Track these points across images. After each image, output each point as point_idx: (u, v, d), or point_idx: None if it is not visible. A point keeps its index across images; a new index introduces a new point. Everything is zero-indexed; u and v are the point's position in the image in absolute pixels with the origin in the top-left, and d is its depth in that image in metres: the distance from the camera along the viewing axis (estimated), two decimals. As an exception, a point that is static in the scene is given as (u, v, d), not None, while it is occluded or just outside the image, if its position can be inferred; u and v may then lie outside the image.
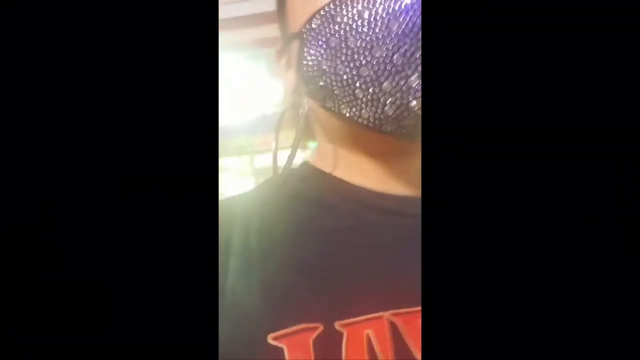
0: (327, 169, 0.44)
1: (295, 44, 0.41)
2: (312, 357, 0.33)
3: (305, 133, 0.46)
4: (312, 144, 0.47)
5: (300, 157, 0.46)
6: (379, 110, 0.38)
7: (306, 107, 0.43)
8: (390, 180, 0.42)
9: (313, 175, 0.44)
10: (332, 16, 0.38)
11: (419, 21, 0.36)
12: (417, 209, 0.39)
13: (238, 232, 0.38)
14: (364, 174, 0.42)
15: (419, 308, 0.34)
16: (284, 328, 0.33)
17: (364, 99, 0.38)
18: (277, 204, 0.42)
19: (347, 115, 0.40)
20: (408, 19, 0.36)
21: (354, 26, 0.37)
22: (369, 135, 0.40)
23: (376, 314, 0.34)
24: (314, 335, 0.33)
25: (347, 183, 0.43)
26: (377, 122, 0.39)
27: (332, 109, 0.40)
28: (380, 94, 0.37)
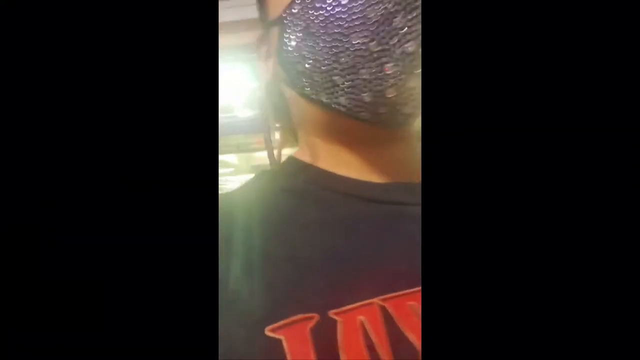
0: (310, 160, 0.44)
1: (275, 31, 0.42)
2: (312, 346, 0.33)
3: (289, 126, 0.47)
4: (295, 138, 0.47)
5: (288, 152, 0.47)
6: (356, 97, 0.39)
7: (287, 96, 0.43)
8: (371, 168, 0.43)
9: (297, 169, 0.45)
10: (312, 1, 0.38)
11: (393, 9, 0.36)
12: (400, 196, 0.42)
13: (224, 229, 0.39)
14: (346, 164, 0.43)
15: (407, 291, 0.35)
16: (278, 320, 0.33)
17: (342, 86, 0.39)
18: (263, 200, 0.42)
19: (326, 102, 0.40)
20: (383, 7, 0.36)
21: (333, 12, 0.38)
22: (347, 123, 0.41)
23: (366, 301, 0.35)
24: (311, 324, 0.34)
25: (331, 173, 0.43)
26: (355, 109, 0.39)
27: (312, 97, 0.41)
28: (357, 81, 0.38)
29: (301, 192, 0.43)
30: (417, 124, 0.43)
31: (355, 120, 0.40)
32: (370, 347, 0.33)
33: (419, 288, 0.36)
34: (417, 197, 0.40)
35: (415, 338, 0.34)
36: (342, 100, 0.39)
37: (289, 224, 0.40)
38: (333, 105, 0.40)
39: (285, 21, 0.40)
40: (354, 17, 0.37)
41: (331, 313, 0.34)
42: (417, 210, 0.39)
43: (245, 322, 0.34)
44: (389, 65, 0.37)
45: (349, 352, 0.33)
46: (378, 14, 0.37)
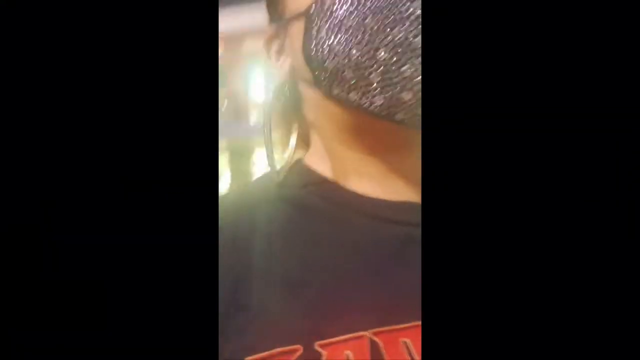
0: (321, 168, 0.42)
1: (296, 27, 0.39)
2: None
3: (301, 129, 0.44)
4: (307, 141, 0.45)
5: (297, 155, 0.44)
6: (394, 96, 0.36)
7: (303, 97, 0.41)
8: (386, 181, 0.40)
9: (303, 177, 0.42)
10: None
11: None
12: (411, 216, 0.37)
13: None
14: (363, 173, 0.40)
15: (402, 325, 0.33)
16: (262, 348, 0.32)
17: (380, 84, 0.36)
18: (259, 208, 0.40)
19: (357, 102, 0.37)
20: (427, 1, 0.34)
21: (371, 5, 0.35)
22: (377, 125, 0.38)
23: (358, 333, 0.33)
24: (293, 358, 0.32)
25: (339, 186, 0.41)
26: (391, 109, 0.36)
27: (339, 96, 0.38)
28: (398, 78, 0.35)
29: (302, 204, 0.40)
30: None
31: (389, 121, 0.37)
32: None
33: (416, 323, 0.33)
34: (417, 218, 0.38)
35: None
36: (377, 99, 0.36)
37: (283, 239, 0.38)
38: (365, 105, 0.37)
39: (313, 16, 0.37)
40: (394, 10, 0.35)
41: (317, 345, 0.32)
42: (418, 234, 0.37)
43: (229, 346, 0.33)
44: None
45: None
46: (420, 4, 0.34)
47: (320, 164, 0.42)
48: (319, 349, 0.32)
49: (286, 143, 0.46)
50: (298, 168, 0.43)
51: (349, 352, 0.32)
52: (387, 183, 0.40)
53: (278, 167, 0.42)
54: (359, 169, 0.41)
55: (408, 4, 0.34)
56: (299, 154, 0.44)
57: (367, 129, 0.39)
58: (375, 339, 0.33)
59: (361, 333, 0.33)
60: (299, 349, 0.32)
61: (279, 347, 0.32)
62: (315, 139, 0.43)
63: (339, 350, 0.32)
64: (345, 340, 0.33)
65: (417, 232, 0.36)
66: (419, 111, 0.36)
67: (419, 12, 0.34)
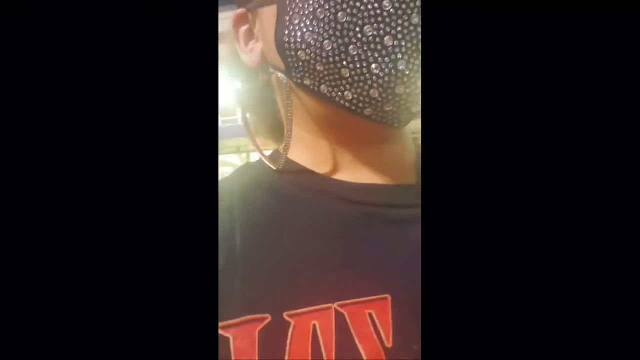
0: (297, 158, 0.43)
1: (268, 11, 0.39)
2: (257, 347, 0.33)
3: (275, 120, 0.45)
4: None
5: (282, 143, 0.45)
6: (364, 92, 0.36)
7: (289, 86, 0.41)
8: (360, 169, 0.41)
9: (279, 165, 0.43)
10: None
11: (411, 3, 0.34)
12: (383, 198, 0.40)
13: None
14: (335, 163, 0.42)
15: (369, 298, 0.35)
16: (234, 318, 0.34)
17: (349, 79, 0.36)
18: (238, 194, 0.41)
19: (328, 95, 0.38)
20: (401, 1, 0.34)
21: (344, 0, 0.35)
22: (347, 119, 0.39)
23: (325, 305, 0.35)
24: (261, 326, 0.34)
25: (310, 171, 0.42)
26: (359, 104, 0.37)
27: (311, 87, 0.38)
28: (367, 75, 0.36)
29: (276, 189, 0.41)
30: (411, 124, 0.42)
31: (358, 116, 0.38)
32: (316, 353, 0.33)
33: (383, 296, 0.35)
34: (402, 200, 0.40)
35: (364, 349, 0.34)
36: (347, 94, 0.37)
37: (258, 222, 0.39)
38: (336, 99, 0.38)
39: (286, 2, 0.37)
40: (369, 7, 0.35)
41: (286, 315, 0.34)
42: (396, 212, 0.39)
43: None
44: (401, 61, 0.35)
45: (293, 355, 0.33)
46: (394, 6, 0.35)
47: (295, 153, 0.43)
48: (288, 319, 0.34)
49: (264, 130, 0.48)
50: (274, 156, 0.44)
51: (315, 322, 0.34)
52: (358, 171, 0.41)
53: (275, 154, 0.43)
54: (331, 159, 0.42)
55: (379, 2, 0.34)
56: (274, 149, 0.46)
57: (338, 121, 0.40)
58: (341, 310, 0.35)
59: (328, 305, 0.35)
60: (268, 317, 0.34)
61: (249, 315, 0.34)
62: (290, 129, 0.43)
63: (306, 320, 0.34)
64: (313, 312, 0.34)
65: (382, 211, 0.39)
66: (387, 108, 0.37)
67: (391, 9, 0.34)
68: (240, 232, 0.38)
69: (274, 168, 0.43)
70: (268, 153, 0.46)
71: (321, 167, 0.42)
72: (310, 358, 0.33)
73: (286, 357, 0.33)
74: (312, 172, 0.42)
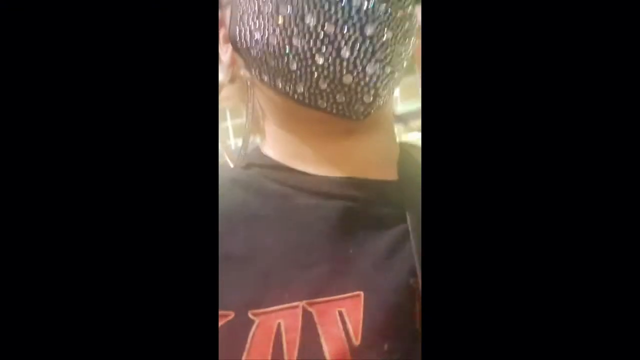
0: (270, 152, 0.43)
1: (227, 12, 0.39)
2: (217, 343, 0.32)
3: (251, 115, 0.45)
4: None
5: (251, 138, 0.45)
6: (313, 84, 0.36)
7: (248, 83, 0.42)
8: (328, 162, 0.41)
9: (253, 159, 0.43)
10: None
11: None
12: (352, 191, 0.39)
13: None
14: (304, 156, 0.41)
15: (339, 296, 0.34)
16: None
17: (297, 72, 0.36)
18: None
19: (283, 89, 0.38)
20: None
21: None
22: (306, 112, 0.38)
23: (292, 304, 0.34)
24: (222, 322, 0.33)
25: (281, 165, 0.41)
26: (311, 97, 0.37)
27: (268, 82, 0.38)
28: (313, 67, 0.35)
29: (247, 183, 0.41)
30: (379, 114, 0.40)
31: (314, 109, 0.38)
32: (277, 352, 0.32)
33: (355, 293, 0.34)
34: (370, 194, 0.40)
35: (328, 348, 0.33)
36: (298, 87, 0.37)
37: (230, 216, 0.38)
38: (290, 93, 0.37)
39: (237, 2, 0.37)
40: None
41: (251, 313, 0.33)
42: (367, 208, 0.39)
43: None
44: (344, 49, 0.34)
45: (252, 354, 0.32)
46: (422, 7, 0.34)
47: (269, 146, 0.43)
48: (252, 317, 0.33)
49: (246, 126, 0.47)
50: (251, 150, 0.44)
51: (280, 320, 0.33)
52: (328, 163, 0.41)
53: (236, 151, 0.43)
54: (302, 153, 0.41)
55: None
56: (252, 138, 0.45)
57: (300, 115, 0.40)
58: (310, 308, 0.34)
59: (296, 303, 0.34)
60: (231, 314, 0.33)
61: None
62: (262, 123, 0.44)
63: (271, 319, 0.33)
64: (279, 310, 0.34)
65: (356, 205, 0.38)
66: (339, 99, 0.36)
67: None
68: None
69: (232, 165, 0.42)
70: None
71: (294, 161, 0.41)
72: (269, 357, 0.32)
73: (244, 356, 0.32)
74: (284, 166, 0.41)
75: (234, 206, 0.39)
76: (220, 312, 0.33)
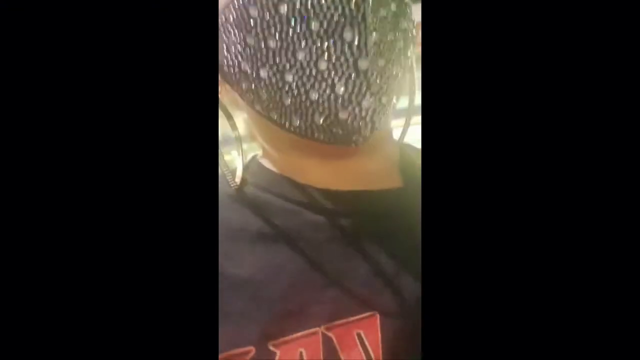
0: (267, 163, 0.42)
1: (220, 38, 0.37)
2: None
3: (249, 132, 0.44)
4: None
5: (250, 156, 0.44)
6: (309, 118, 0.35)
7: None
8: (331, 175, 0.40)
9: (253, 172, 0.41)
10: (247, 9, 0.33)
11: (341, 19, 0.32)
12: (359, 205, 0.38)
13: None
14: (303, 168, 0.40)
15: (355, 317, 0.34)
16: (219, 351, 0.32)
17: (292, 107, 0.34)
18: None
19: (277, 121, 0.36)
20: (328, 18, 0.32)
21: (271, 23, 0.33)
22: (302, 141, 0.37)
23: (311, 330, 0.33)
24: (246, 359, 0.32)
25: (287, 179, 0.40)
26: (308, 130, 0.35)
27: (262, 112, 0.37)
28: (307, 103, 0.34)
29: (247, 199, 0.39)
30: (379, 135, 0.38)
31: (312, 140, 0.36)
32: None
33: (369, 314, 0.34)
34: (376, 206, 0.38)
35: None
36: (294, 120, 0.35)
37: (232, 237, 0.37)
38: (285, 125, 0.36)
39: (222, 31, 0.35)
40: (297, 31, 0.32)
41: (271, 345, 0.32)
42: (375, 221, 0.37)
43: None
44: (338, 85, 0.33)
45: None
46: (323, 25, 0.32)
47: (265, 159, 0.42)
48: (273, 349, 0.32)
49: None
50: (252, 168, 0.42)
51: (302, 350, 0.33)
52: (329, 178, 0.39)
53: (232, 170, 0.42)
54: (300, 166, 0.40)
55: (306, 24, 0.32)
56: (251, 155, 0.44)
57: (297, 143, 0.38)
58: (329, 333, 0.33)
59: (314, 329, 0.33)
60: (252, 350, 0.32)
61: (232, 349, 0.32)
62: (261, 144, 0.43)
63: (292, 348, 0.33)
64: (298, 338, 0.33)
65: (364, 220, 0.37)
66: (337, 131, 0.35)
67: (319, 30, 0.32)
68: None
69: (231, 185, 0.40)
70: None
71: (294, 173, 0.40)
72: None
73: None
74: (286, 178, 0.40)
75: (235, 224, 0.38)
76: (240, 350, 0.32)
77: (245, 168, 0.42)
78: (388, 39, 0.34)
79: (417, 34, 0.38)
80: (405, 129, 0.47)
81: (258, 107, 0.37)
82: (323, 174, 0.40)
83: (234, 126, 0.42)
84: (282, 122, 0.36)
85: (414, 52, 0.39)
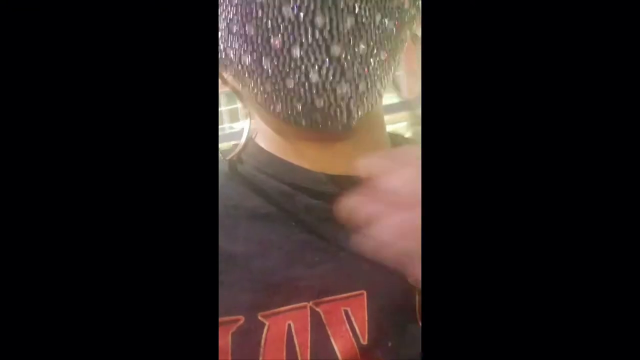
0: (263, 143, 0.42)
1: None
2: (230, 350, 0.32)
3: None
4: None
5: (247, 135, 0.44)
6: (289, 105, 0.35)
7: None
8: (324, 158, 0.40)
9: (251, 153, 0.42)
10: None
11: (311, 4, 0.31)
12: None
13: None
14: (296, 150, 0.40)
15: (344, 295, 0.34)
16: None
17: (273, 93, 0.35)
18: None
19: (263, 105, 0.37)
20: (299, 3, 0.31)
21: (247, 10, 0.32)
22: (288, 127, 0.38)
23: (300, 304, 0.34)
24: (234, 328, 0.33)
25: (283, 161, 0.40)
26: (290, 117, 0.36)
27: (250, 95, 0.38)
28: (285, 90, 0.34)
29: (244, 178, 0.40)
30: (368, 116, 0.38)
31: (296, 125, 0.36)
32: (290, 353, 0.32)
33: (358, 292, 0.34)
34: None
35: (339, 347, 0.33)
36: (277, 107, 0.36)
37: (229, 213, 0.37)
38: (270, 110, 0.36)
39: (220, 17, 0.36)
40: (270, 16, 0.32)
41: (260, 316, 0.33)
42: None
43: None
44: (312, 73, 0.32)
45: (267, 357, 0.32)
46: (295, 12, 0.31)
47: (261, 138, 0.42)
48: (262, 319, 0.33)
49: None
50: (249, 148, 0.43)
51: (290, 322, 0.33)
52: (322, 162, 0.40)
53: (229, 137, 0.43)
54: (294, 148, 0.40)
55: (279, 9, 0.32)
56: (249, 135, 0.44)
57: (282, 126, 0.39)
58: (317, 308, 0.34)
59: (303, 304, 0.34)
60: (241, 319, 0.33)
61: (222, 317, 0.33)
62: (257, 123, 0.43)
63: (280, 320, 0.33)
64: (287, 311, 0.34)
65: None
66: (317, 118, 0.35)
67: (291, 17, 0.31)
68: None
69: (226, 159, 0.41)
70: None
71: (288, 154, 0.40)
72: (284, 359, 0.32)
73: (260, 359, 0.32)
74: (280, 160, 0.40)
75: (233, 202, 0.38)
76: (230, 318, 0.33)
77: (243, 148, 0.42)
78: (374, 22, 0.33)
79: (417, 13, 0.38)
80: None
81: (245, 91, 0.37)
82: (318, 158, 0.40)
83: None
84: (267, 107, 0.36)
85: (415, 31, 0.38)
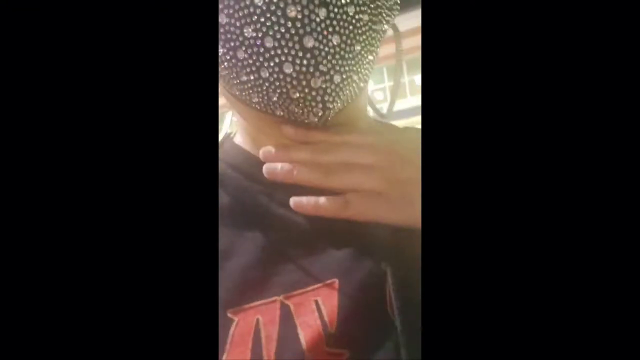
0: (239, 140, 0.42)
1: None
2: None
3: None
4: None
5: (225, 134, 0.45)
6: (265, 95, 0.35)
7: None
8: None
9: (228, 151, 0.42)
10: None
11: None
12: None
13: None
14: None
15: (315, 286, 0.34)
16: None
17: (249, 84, 0.34)
18: None
19: (241, 97, 0.37)
20: None
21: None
22: (267, 118, 0.37)
23: (270, 299, 0.34)
24: None
25: (256, 157, 0.39)
26: (267, 107, 0.36)
27: (226, 88, 0.37)
28: (260, 81, 0.34)
29: (219, 177, 0.39)
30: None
31: (273, 116, 0.36)
32: (257, 346, 0.32)
33: (330, 281, 0.34)
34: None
35: (304, 336, 0.32)
36: (253, 97, 0.35)
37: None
38: (247, 101, 0.36)
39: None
40: (241, 5, 0.31)
41: (230, 312, 0.33)
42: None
43: None
44: (286, 64, 0.32)
45: (232, 353, 0.32)
46: (265, 1, 0.31)
47: (238, 135, 0.42)
48: (231, 316, 0.33)
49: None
50: (225, 146, 0.42)
51: (259, 316, 0.33)
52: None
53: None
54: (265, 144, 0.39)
55: (255, 1, 0.31)
56: (228, 133, 0.44)
57: (260, 118, 0.38)
58: (287, 302, 0.34)
59: (273, 298, 0.34)
60: None
61: None
62: (238, 120, 0.42)
63: (250, 315, 0.33)
64: (257, 306, 0.33)
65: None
66: (295, 109, 0.35)
67: (262, 5, 0.31)
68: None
69: None
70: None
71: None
72: (249, 354, 0.32)
73: (224, 357, 0.32)
74: (256, 159, 0.39)
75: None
76: None
77: (220, 145, 0.42)
78: (346, 13, 0.33)
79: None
80: (391, 106, 0.47)
81: (222, 83, 0.37)
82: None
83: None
84: (243, 98, 0.36)
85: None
